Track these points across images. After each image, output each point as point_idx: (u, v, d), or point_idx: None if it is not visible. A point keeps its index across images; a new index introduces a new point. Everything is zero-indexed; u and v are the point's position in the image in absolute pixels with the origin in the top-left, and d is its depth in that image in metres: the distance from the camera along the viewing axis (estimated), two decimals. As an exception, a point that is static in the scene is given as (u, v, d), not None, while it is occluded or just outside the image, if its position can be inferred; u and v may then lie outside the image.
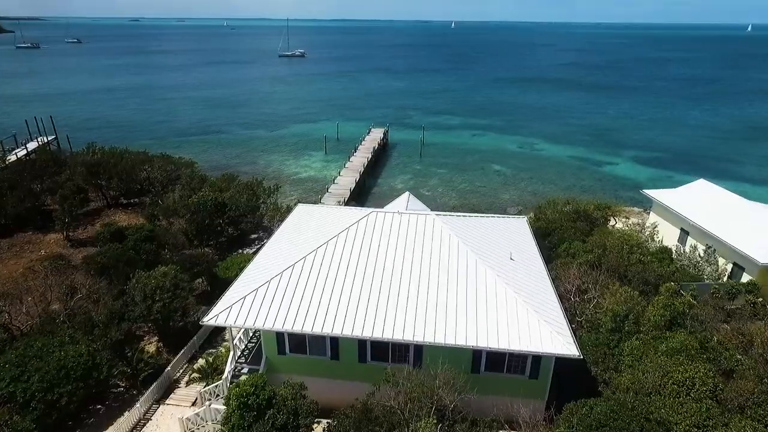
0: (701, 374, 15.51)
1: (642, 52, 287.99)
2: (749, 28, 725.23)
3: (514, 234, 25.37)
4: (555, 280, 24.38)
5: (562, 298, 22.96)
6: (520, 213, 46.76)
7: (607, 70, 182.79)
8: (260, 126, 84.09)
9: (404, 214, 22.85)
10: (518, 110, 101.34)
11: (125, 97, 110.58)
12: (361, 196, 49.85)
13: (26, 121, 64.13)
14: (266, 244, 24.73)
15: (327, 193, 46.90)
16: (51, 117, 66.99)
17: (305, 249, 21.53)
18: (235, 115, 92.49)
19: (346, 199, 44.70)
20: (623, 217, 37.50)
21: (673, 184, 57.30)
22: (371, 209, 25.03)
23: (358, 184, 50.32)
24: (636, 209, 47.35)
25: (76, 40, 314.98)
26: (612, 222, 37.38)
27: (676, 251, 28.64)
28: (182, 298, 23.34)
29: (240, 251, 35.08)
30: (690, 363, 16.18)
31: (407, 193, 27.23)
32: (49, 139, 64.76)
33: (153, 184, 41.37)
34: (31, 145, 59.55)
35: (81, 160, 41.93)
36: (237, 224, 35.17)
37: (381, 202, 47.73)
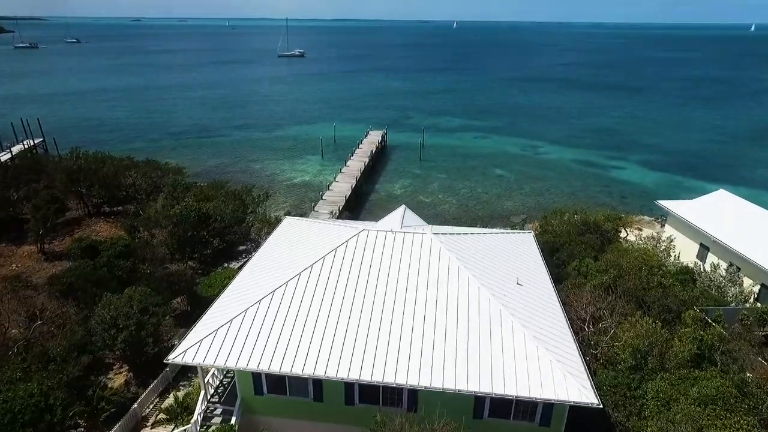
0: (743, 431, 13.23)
1: (645, 52, 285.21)
2: (752, 28, 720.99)
3: (520, 252, 23.10)
4: (565, 305, 22.10)
5: (573, 325, 20.68)
6: (524, 222, 44.48)
7: (610, 70, 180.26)
8: (256, 128, 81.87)
9: (398, 233, 20.57)
10: (521, 111, 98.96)
11: (120, 98, 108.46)
12: (356, 203, 47.58)
13: (12, 123, 61.96)
14: (247, 264, 22.49)
15: (321, 201, 44.63)
16: (38, 119, 64.81)
17: (287, 273, 19.27)
18: (232, 117, 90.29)
19: (340, 208, 42.40)
20: (635, 228, 35.18)
21: (682, 190, 55.22)
22: (362, 226, 22.77)
23: (354, 190, 48.07)
24: (646, 218, 44.98)
25: (75, 40, 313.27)
26: (623, 234, 35.08)
27: (695, 268, 26.29)
28: (152, 324, 21.08)
29: (226, 265, 32.86)
30: (728, 415, 13.89)
31: (403, 206, 24.95)
32: (36, 142, 62.72)
33: (137, 191, 39.13)
34: (17, 149, 57.46)
35: (61, 166, 39.70)
36: (223, 236, 32.92)
37: (377, 212, 45.54)
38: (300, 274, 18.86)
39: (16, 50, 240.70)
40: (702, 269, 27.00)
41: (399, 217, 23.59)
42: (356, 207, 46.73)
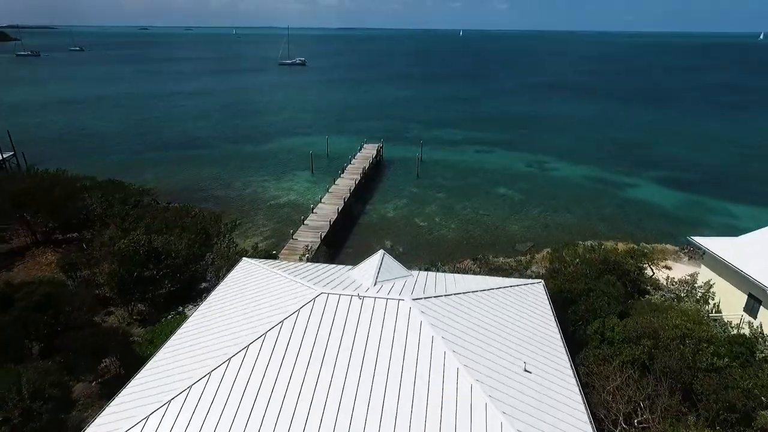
0: None
1: (655, 59, 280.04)
2: (761, 36, 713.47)
3: (528, 316, 18.06)
4: (586, 387, 17.00)
5: (600, 424, 15.58)
6: (530, 251, 39.33)
7: (621, 78, 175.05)
8: (246, 140, 77.44)
9: (366, 299, 15.60)
10: (527, 122, 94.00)
11: (111, 107, 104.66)
12: (343, 228, 42.65)
13: (-19, 136, 57.89)
14: (178, 331, 17.63)
15: (302, 226, 39.74)
16: (8, 131, 60.59)
17: (215, 356, 14.36)
18: (222, 127, 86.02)
19: (322, 236, 37.44)
20: (662, 267, 30.05)
21: (707, 211, 49.83)
22: (327, 278, 17.93)
23: (341, 212, 43.19)
24: (669, 247, 39.71)
25: (78, 49, 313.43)
26: (648, 271, 29.94)
27: (753, 334, 21.01)
28: (48, 412, 16.17)
29: (180, 309, 28.01)
30: None
31: (381, 252, 20.01)
32: (5, 156, 58.49)
33: (89, 217, 34.48)
34: (-19, 164, 53.28)
35: (5, 188, 35.15)
36: (180, 274, 28.10)
37: (366, 239, 40.60)
38: (229, 360, 13.93)
39: (18, 58, 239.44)
40: (754, 328, 21.76)
41: (374, 267, 18.68)
42: (342, 233, 41.83)
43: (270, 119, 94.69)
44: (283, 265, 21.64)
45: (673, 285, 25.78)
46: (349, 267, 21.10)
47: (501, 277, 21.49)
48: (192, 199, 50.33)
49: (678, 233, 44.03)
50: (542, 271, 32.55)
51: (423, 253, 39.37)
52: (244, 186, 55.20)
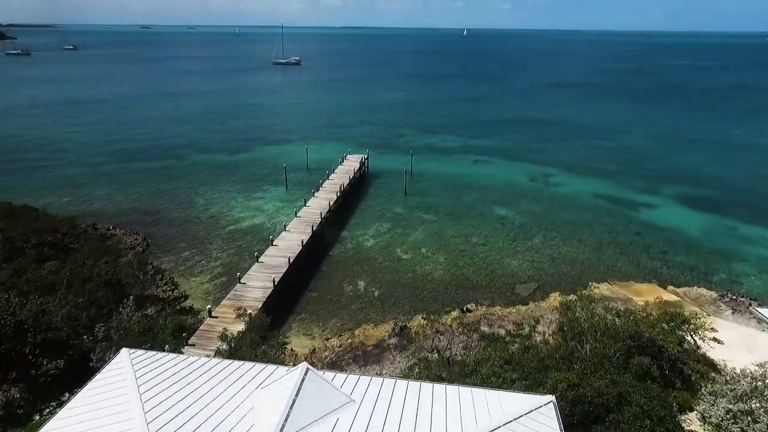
0: None
1: (663, 59, 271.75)
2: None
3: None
4: None
5: None
6: (534, 296, 32.19)
7: (631, 78, 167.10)
8: (221, 148, 70.48)
9: None
10: (530, 126, 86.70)
11: (84, 111, 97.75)
12: (308, 266, 35.54)
13: None
14: None
15: (255, 265, 32.67)
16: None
17: None
18: (198, 134, 79.06)
19: (276, 281, 30.30)
20: (712, 339, 22.84)
21: (740, 241, 41.92)
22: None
23: (307, 245, 36.14)
24: (705, 292, 32.52)
25: (72, 47, 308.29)
26: (690, 339, 22.75)
27: None
28: None
29: (67, 395, 21.00)
30: None
31: (301, 369, 12.88)
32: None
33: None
34: None
35: None
36: (63, 352, 21.08)
37: (331, 286, 32.90)
38: None
39: (6, 57, 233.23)
40: None
41: (286, 399, 11.59)
42: (307, 272, 34.74)
43: (251, 124, 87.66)
44: (163, 368, 14.57)
45: (738, 375, 18.43)
46: (262, 373, 14.07)
47: (493, 392, 14.30)
48: (141, 223, 43.50)
49: (710, 269, 36.86)
50: (549, 332, 25.50)
51: (403, 297, 32.31)
52: (206, 205, 48.19)
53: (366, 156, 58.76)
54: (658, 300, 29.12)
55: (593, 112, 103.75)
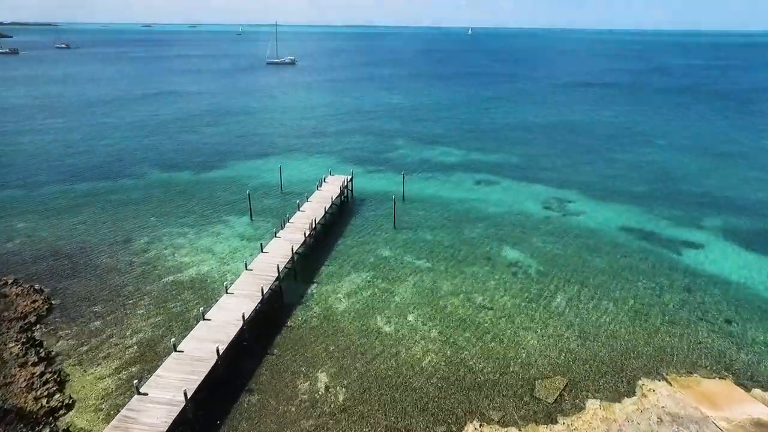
0: None
1: (675, 59, 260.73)
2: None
3: None
4: None
5: None
6: (561, 399, 22.82)
7: (647, 77, 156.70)
8: (187, 164, 61.36)
9: None
10: (540, 135, 77.18)
11: (48, 116, 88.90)
12: (255, 344, 26.22)
13: None
14: None
15: (183, 341, 23.43)
16: None
17: None
18: (166, 145, 69.99)
19: (187, 396, 20.97)
20: None
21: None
22: None
23: (260, 308, 26.91)
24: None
25: (65, 46, 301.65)
26: None
27: None
28: None
29: None
30: None
31: None
32: None
33: None
34: None
35: None
36: None
37: (282, 379, 22.81)
38: None
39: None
40: None
41: None
42: (253, 354, 25.44)
43: (229, 132, 78.45)
44: None
45: None
46: None
47: None
48: (55, 272, 34.41)
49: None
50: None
51: (377, 406, 22.98)
52: (146, 245, 38.97)
53: (350, 178, 49.44)
54: (750, 421, 19.68)
55: (609, 116, 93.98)
